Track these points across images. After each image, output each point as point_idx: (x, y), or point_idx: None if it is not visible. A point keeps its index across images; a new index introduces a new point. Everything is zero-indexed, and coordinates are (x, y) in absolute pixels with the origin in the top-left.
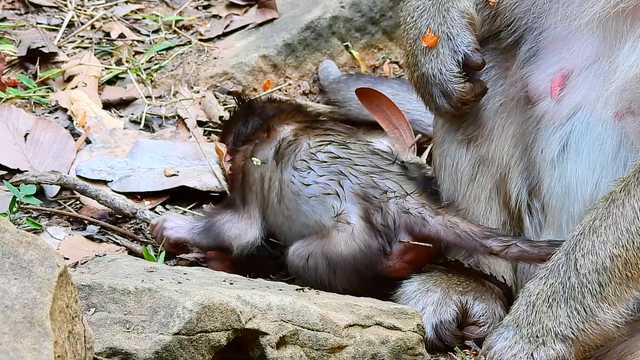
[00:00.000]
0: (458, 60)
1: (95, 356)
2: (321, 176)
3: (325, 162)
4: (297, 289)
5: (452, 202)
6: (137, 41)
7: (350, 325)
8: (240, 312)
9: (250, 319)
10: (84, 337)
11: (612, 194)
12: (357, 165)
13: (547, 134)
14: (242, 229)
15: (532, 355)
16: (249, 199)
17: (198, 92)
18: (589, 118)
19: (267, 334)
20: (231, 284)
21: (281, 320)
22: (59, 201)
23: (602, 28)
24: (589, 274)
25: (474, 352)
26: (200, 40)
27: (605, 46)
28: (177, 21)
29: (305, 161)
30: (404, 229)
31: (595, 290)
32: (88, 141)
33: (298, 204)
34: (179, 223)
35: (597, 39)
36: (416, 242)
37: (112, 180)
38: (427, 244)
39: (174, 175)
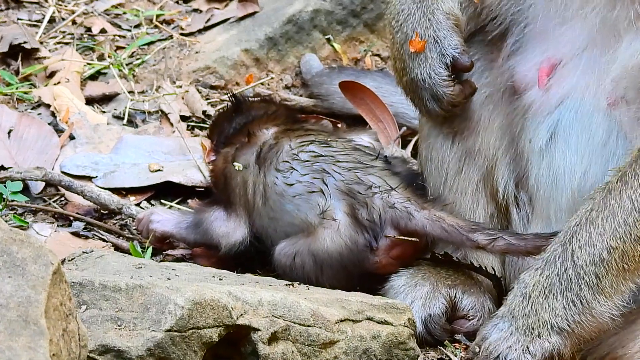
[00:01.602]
0: (446, 63)
1: (89, 354)
2: (304, 175)
3: (308, 161)
4: (287, 284)
5: (438, 197)
6: (119, 36)
7: (342, 321)
8: (232, 308)
9: (241, 314)
10: (78, 334)
11: (608, 184)
12: (340, 162)
13: (534, 123)
14: (230, 228)
15: (527, 347)
16: (234, 201)
17: (181, 86)
18: (578, 107)
19: (259, 329)
20: (220, 279)
21: (272, 316)
22: (44, 197)
23: (599, 17)
24: (585, 265)
25: (464, 346)
26: (182, 34)
27: (599, 35)
28: (158, 16)
29: (288, 162)
30: (390, 224)
31: (592, 282)
32: (72, 137)
33: (283, 204)
34: (165, 217)
35: (590, 28)
36: (402, 237)
37: (96, 176)
38: (413, 239)
39: (159, 170)
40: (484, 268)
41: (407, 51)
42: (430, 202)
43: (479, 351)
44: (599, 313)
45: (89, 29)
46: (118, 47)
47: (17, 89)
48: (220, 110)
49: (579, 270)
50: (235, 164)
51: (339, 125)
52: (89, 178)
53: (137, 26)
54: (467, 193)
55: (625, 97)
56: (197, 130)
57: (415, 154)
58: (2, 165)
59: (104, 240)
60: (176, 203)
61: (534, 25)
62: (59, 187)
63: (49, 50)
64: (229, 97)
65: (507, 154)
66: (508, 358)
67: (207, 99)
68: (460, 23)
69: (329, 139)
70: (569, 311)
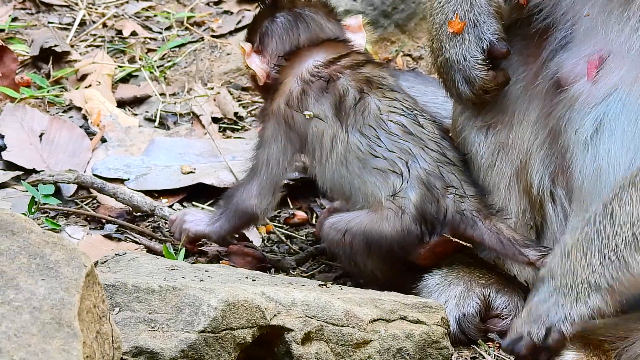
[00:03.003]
0: (483, 47)
1: (122, 356)
2: (391, 151)
3: (396, 135)
4: (320, 284)
5: (501, 209)
6: (150, 39)
7: (375, 320)
8: (265, 308)
9: (275, 315)
10: (112, 337)
11: None
12: (427, 148)
13: (580, 115)
14: (263, 194)
15: (567, 307)
16: (285, 134)
17: (212, 88)
18: (625, 99)
19: (292, 330)
20: (253, 280)
21: (306, 316)
22: (76, 200)
23: (616, 13)
24: (623, 224)
25: (497, 345)
26: (213, 36)
27: (630, 28)
28: (188, 18)
29: (374, 128)
30: (450, 226)
31: (629, 240)
32: (103, 140)
33: (361, 170)
34: (198, 217)
35: (637, 20)
36: (458, 241)
37: (128, 179)
38: (468, 244)
39: (191, 172)
40: (517, 278)
41: (445, 32)
42: (493, 214)
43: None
44: (637, 271)
45: (119, 32)
46: (149, 50)
47: (48, 92)
48: (260, 10)
49: (616, 228)
50: (306, 112)
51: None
52: (121, 180)
53: (168, 28)
54: (499, 188)
55: None
56: (228, 132)
57: None
58: (34, 169)
59: (136, 242)
60: (208, 205)
61: (582, 19)
62: (91, 190)
63: (80, 54)
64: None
65: (541, 149)
66: (549, 319)
67: (238, 101)
68: (502, 11)
69: (416, 112)
70: (607, 268)
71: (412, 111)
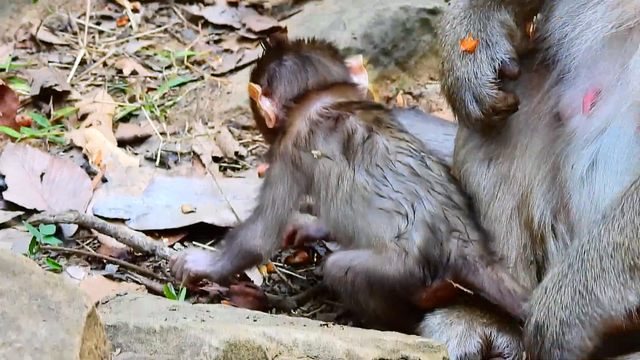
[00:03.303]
0: (495, 67)
1: None
2: (397, 192)
3: (403, 175)
4: (321, 324)
5: (504, 258)
6: (150, 77)
7: None
8: (267, 349)
9: (276, 355)
10: None
11: (624, 189)
12: (434, 190)
13: (576, 150)
14: (268, 234)
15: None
16: (291, 172)
17: (213, 127)
18: (618, 133)
19: None
20: (255, 320)
21: (307, 356)
22: (77, 241)
23: (611, 47)
24: (592, 259)
25: None
26: (213, 75)
27: (620, 63)
28: (189, 56)
29: (381, 168)
30: (452, 270)
31: (597, 274)
32: (104, 180)
33: (365, 210)
34: (199, 256)
35: (615, 57)
36: (460, 287)
37: (129, 219)
38: (469, 291)
39: (192, 212)
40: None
41: (457, 51)
42: (497, 261)
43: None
44: (607, 305)
45: (120, 71)
46: (149, 89)
47: (49, 132)
48: (266, 52)
49: (586, 264)
50: (314, 151)
51: None
52: (121, 220)
53: (168, 67)
54: (501, 220)
55: None
56: (229, 171)
57: None
58: (35, 209)
59: (137, 282)
60: (210, 244)
61: (584, 53)
62: (92, 230)
63: (80, 93)
64: (262, 44)
65: (543, 183)
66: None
67: (239, 140)
68: (514, 34)
69: (423, 154)
70: (577, 302)
71: (419, 152)
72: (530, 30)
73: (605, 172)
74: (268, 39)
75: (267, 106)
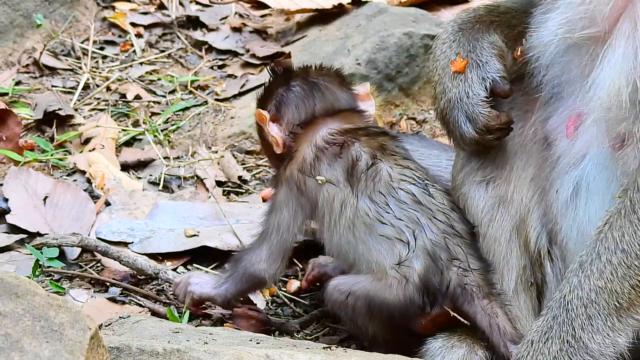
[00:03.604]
0: (486, 86)
1: None
2: (399, 219)
3: (406, 203)
4: (324, 347)
5: (503, 293)
6: (153, 102)
7: None
8: None
9: None
10: None
11: (598, 229)
12: (436, 219)
13: (561, 174)
14: (272, 258)
15: None
16: (295, 196)
17: (216, 152)
18: (599, 157)
19: None
20: (258, 343)
21: None
22: (80, 264)
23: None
24: (577, 308)
25: None
26: (217, 100)
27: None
28: (192, 81)
29: (383, 195)
30: (450, 298)
31: (585, 323)
32: (107, 203)
33: (367, 237)
34: (203, 279)
35: (591, 76)
36: (457, 316)
37: (132, 242)
38: (465, 321)
39: (194, 235)
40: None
41: (448, 74)
42: (494, 295)
43: None
44: (597, 351)
45: (123, 95)
46: (153, 113)
47: (52, 155)
48: (273, 78)
49: (571, 314)
50: (318, 177)
51: None
52: (124, 244)
53: (172, 92)
54: (500, 242)
55: (621, 139)
56: (232, 196)
57: None
58: (38, 232)
59: (140, 305)
60: (212, 268)
61: (566, 76)
62: (95, 253)
63: (84, 117)
64: (269, 70)
65: (538, 207)
66: None
67: (242, 164)
68: (504, 55)
69: (427, 181)
70: (566, 352)
71: (423, 180)
72: (518, 52)
73: (588, 197)
74: (275, 65)
75: (275, 132)
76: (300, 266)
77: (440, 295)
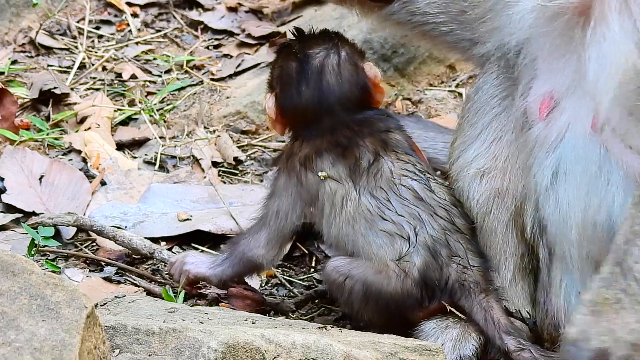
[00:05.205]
0: None
1: None
2: (400, 215)
3: (407, 199)
4: (319, 327)
5: (501, 288)
6: (149, 82)
7: None
8: (265, 350)
9: (275, 357)
10: None
11: (637, 196)
12: (437, 215)
13: (540, 159)
14: (271, 244)
15: None
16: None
17: (214, 132)
18: (576, 139)
19: None
20: (253, 323)
21: (305, 358)
22: (76, 243)
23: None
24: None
25: None
26: (212, 79)
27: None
28: (188, 61)
29: (385, 191)
30: (448, 294)
31: None
32: (103, 183)
33: (367, 230)
34: (200, 259)
35: (567, 52)
36: (454, 310)
37: (125, 227)
38: (462, 316)
39: (188, 219)
40: (518, 312)
41: None
42: (491, 290)
43: None
44: None
45: (119, 75)
46: (149, 93)
47: (47, 135)
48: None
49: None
50: (320, 173)
51: None
52: (118, 228)
53: (168, 72)
54: (497, 233)
55: (608, 120)
56: (227, 177)
57: None
58: (34, 211)
59: (136, 285)
60: (207, 247)
61: (541, 57)
62: (91, 233)
63: (80, 96)
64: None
65: (533, 194)
66: None
67: (237, 143)
68: None
69: (429, 177)
70: None
71: (424, 175)
72: None
73: (567, 180)
74: (284, 48)
75: (270, 108)
76: (306, 250)
77: (439, 291)
